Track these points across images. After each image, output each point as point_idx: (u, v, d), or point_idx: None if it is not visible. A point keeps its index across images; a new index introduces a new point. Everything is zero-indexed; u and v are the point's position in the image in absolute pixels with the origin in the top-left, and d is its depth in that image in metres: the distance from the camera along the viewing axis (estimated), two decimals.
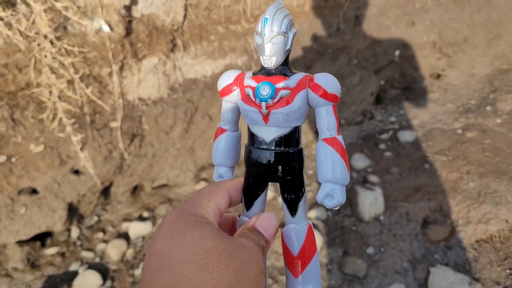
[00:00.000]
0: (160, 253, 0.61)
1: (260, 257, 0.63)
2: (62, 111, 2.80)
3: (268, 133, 0.71)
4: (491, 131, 3.86)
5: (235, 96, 0.74)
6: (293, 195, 0.73)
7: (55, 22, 2.64)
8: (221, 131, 0.79)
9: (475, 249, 3.04)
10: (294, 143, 0.71)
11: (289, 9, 3.29)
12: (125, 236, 3.40)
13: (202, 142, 3.63)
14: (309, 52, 3.56)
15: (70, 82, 2.80)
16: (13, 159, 2.89)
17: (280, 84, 0.69)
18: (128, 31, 2.91)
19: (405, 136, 3.88)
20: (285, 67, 0.70)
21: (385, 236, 3.16)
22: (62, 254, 3.36)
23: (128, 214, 3.58)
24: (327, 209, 3.36)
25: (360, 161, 3.69)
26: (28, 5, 2.52)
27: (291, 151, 0.71)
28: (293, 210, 0.74)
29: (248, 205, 0.76)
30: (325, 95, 0.68)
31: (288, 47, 0.69)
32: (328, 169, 0.68)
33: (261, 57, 0.70)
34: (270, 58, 0.68)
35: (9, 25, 2.52)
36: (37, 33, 2.59)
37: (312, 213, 3.32)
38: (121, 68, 3.02)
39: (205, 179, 3.73)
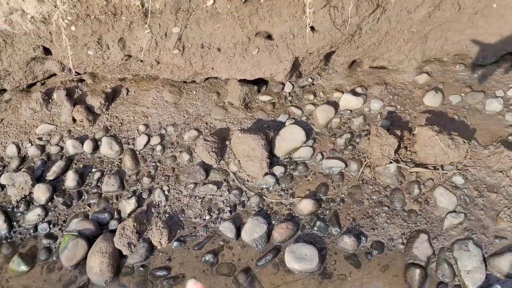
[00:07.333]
0: None
1: None
2: None
3: None
4: None
5: None
6: None
7: None
8: None
9: None
10: None
11: None
12: (334, 105, 3.43)
13: (438, 33, 3.34)
14: None
15: None
16: (262, 0, 2.97)
17: None
18: None
19: None
20: None
21: None
22: (273, 104, 3.55)
23: (340, 85, 3.58)
24: None
25: None
26: None
27: None
28: None
29: None
30: None
31: None
32: None
33: None
34: None
35: None
36: None
37: None
38: None
39: (428, 73, 3.49)
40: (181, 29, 3.13)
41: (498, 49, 3.35)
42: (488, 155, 2.95)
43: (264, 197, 3.06)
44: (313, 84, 3.63)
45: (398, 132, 3.12)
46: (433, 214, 2.82)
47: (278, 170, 3.16)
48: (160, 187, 3.18)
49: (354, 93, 3.46)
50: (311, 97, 3.54)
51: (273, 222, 2.94)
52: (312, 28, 3.13)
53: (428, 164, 2.97)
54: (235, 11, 3.00)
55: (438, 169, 2.94)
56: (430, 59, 3.54)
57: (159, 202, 3.11)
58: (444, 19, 3.22)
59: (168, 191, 3.16)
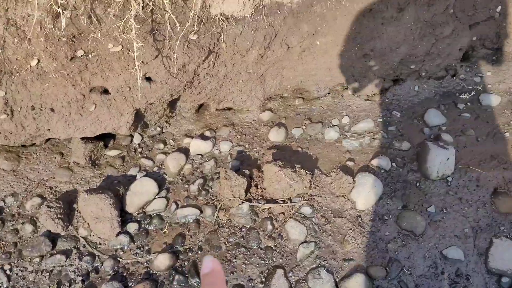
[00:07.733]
0: None
1: None
2: (134, 14, 2.72)
3: None
4: None
5: None
6: None
7: None
8: None
9: None
10: None
11: None
12: (184, 151, 3.41)
13: (274, 72, 3.51)
14: None
15: None
16: (90, 56, 2.88)
17: None
18: None
19: (488, 100, 3.62)
20: None
21: (450, 198, 3.01)
22: (122, 158, 3.42)
23: (190, 130, 3.57)
24: (392, 160, 3.23)
25: (435, 117, 3.49)
26: None
27: None
28: None
29: None
30: None
31: None
32: None
33: None
34: None
35: None
36: None
37: (375, 162, 3.21)
38: None
39: (271, 110, 3.64)
40: (6, 92, 2.91)
41: (328, 81, 3.61)
42: (330, 182, 3.11)
43: (119, 258, 2.90)
44: (162, 132, 3.58)
45: (247, 171, 3.18)
46: (287, 247, 2.89)
47: (132, 227, 3.02)
48: (0, 267, 2.86)
49: (203, 137, 3.47)
50: (162, 146, 3.48)
51: (130, 284, 2.78)
52: (149, 79, 3.10)
53: (277, 199, 3.05)
54: (63, 69, 2.86)
55: (287, 202, 3.03)
56: (271, 96, 3.70)
57: (0, 285, 2.79)
58: (276, 58, 3.39)
59: (11, 270, 2.85)
